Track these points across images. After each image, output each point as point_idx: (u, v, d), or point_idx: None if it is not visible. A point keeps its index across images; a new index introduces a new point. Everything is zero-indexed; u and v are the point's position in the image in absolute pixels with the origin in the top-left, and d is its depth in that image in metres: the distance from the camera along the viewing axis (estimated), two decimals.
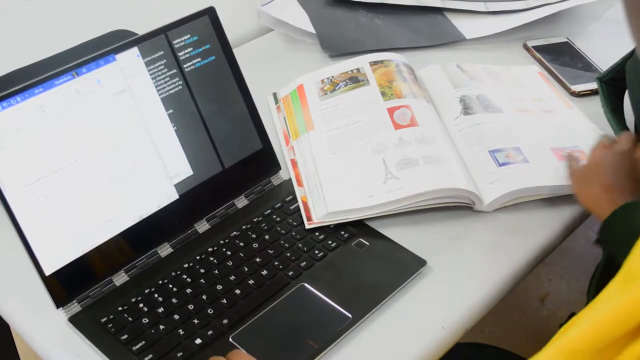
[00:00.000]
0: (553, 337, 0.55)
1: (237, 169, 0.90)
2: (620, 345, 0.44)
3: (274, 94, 1.10)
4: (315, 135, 0.98)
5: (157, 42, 0.84)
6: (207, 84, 0.87)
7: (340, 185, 0.90)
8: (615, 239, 0.78)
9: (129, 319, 0.77)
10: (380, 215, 0.88)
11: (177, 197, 0.85)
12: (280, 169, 0.95)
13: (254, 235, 0.87)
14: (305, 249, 0.85)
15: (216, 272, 0.82)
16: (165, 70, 0.84)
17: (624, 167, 0.84)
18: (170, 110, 0.84)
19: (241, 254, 0.84)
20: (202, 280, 0.81)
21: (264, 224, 0.88)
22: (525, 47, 1.23)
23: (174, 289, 0.80)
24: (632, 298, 0.44)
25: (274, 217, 0.89)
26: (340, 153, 0.95)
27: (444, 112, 1.02)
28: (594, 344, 0.45)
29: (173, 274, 0.82)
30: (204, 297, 0.79)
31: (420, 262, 0.83)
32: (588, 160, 0.88)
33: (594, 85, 1.08)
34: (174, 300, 0.79)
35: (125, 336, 0.75)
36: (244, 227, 0.88)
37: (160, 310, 0.78)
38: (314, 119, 1.01)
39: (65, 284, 0.77)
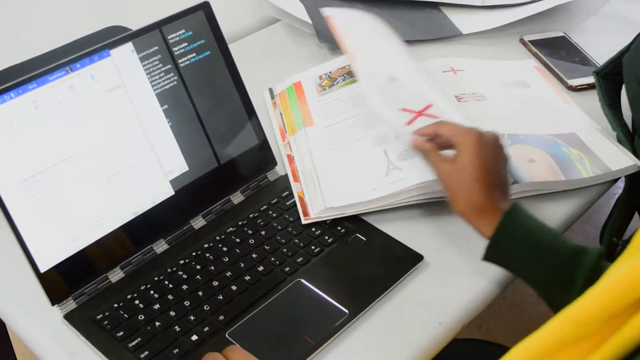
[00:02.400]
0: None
1: (232, 165, 0.90)
2: (628, 314, 0.43)
3: (270, 90, 1.09)
4: (314, 131, 0.98)
5: (151, 38, 0.83)
6: (203, 80, 0.87)
7: (339, 179, 0.90)
8: (511, 253, 0.75)
9: (125, 315, 0.76)
10: (377, 210, 0.88)
11: (172, 193, 0.85)
12: (276, 164, 0.94)
13: (250, 231, 0.86)
14: (301, 244, 0.85)
15: (212, 268, 0.82)
16: (160, 65, 0.84)
17: (500, 164, 0.80)
18: (165, 106, 0.84)
19: (237, 250, 0.84)
20: (198, 277, 0.80)
21: (260, 220, 0.88)
22: (522, 41, 1.23)
23: (170, 286, 0.80)
24: (638, 265, 0.44)
25: (270, 212, 0.89)
26: (340, 147, 0.94)
27: None
28: (601, 313, 0.44)
29: (169, 270, 0.81)
30: (200, 293, 0.79)
31: (417, 258, 0.83)
32: (461, 152, 0.79)
33: (591, 80, 1.08)
34: (169, 297, 0.78)
35: (121, 333, 0.74)
36: (239, 223, 0.87)
37: (156, 306, 0.77)
38: (313, 114, 1.00)
39: (60, 281, 0.77)
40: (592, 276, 0.69)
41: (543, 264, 0.74)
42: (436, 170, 0.81)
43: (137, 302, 0.78)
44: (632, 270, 0.43)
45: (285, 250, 0.84)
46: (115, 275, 0.80)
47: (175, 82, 0.85)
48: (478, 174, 0.77)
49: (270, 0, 1.25)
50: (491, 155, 0.79)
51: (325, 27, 1.21)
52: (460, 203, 0.78)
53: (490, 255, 0.76)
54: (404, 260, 0.83)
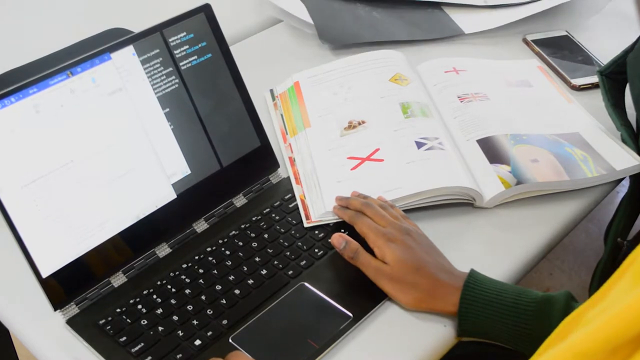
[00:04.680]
0: (554, 331, 0.54)
1: (235, 168, 0.89)
2: (633, 346, 0.42)
3: (271, 91, 1.09)
4: (313, 133, 0.97)
5: (152, 40, 0.83)
6: (204, 82, 0.87)
7: (338, 183, 0.89)
8: (481, 321, 0.75)
9: (128, 320, 0.76)
10: None
11: (174, 196, 0.84)
12: (278, 166, 0.94)
13: (253, 235, 0.86)
14: (305, 247, 0.84)
15: (215, 272, 0.81)
16: (161, 68, 0.83)
17: (428, 249, 0.80)
18: (167, 109, 0.84)
19: (240, 254, 0.83)
20: (201, 281, 0.80)
21: (263, 223, 0.87)
22: (525, 41, 1.22)
23: (173, 290, 0.79)
24: None
25: (273, 215, 0.88)
26: (338, 148, 0.94)
27: (441, 107, 1.02)
28: (605, 345, 0.43)
29: (171, 274, 0.81)
30: (203, 297, 0.78)
31: None
32: (384, 258, 0.78)
33: (594, 79, 1.07)
34: (172, 301, 0.78)
35: (124, 338, 0.74)
36: (242, 226, 0.87)
37: (159, 311, 0.77)
38: (311, 115, 1.00)
39: (62, 286, 0.76)
40: None
41: (513, 323, 0.73)
42: (370, 275, 0.78)
43: (139, 306, 0.77)
44: (636, 303, 0.42)
45: (288, 253, 0.83)
46: (118, 279, 0.80)
47: (176, 85, 0.84)
48: (416, 271, 0.76)
49: (272, 0, 1.25)
50: (417, 242, 0.79)
51: (326, 27, 1.21)
52: (415, 301, 0.77)
53: (464, 331, 0.75)
54: None
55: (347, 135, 0.96)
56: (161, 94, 0.83)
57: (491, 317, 0.74)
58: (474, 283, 0.75)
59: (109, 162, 0.79)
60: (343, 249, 0.80)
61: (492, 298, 0.74)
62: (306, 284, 0.80)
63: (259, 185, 0.92)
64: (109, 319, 0.76)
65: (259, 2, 1.27)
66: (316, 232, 0.86)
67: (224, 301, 0.78)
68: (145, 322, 0.76)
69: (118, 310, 0.77)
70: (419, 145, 0.92)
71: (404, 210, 0.86)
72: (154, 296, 0.78)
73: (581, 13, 1.27)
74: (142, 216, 0.82)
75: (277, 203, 0.90)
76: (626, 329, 0.42)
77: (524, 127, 0.97)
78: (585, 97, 1.08)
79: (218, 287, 0.79)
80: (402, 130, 0.94)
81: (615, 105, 0.98)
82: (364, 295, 0.79)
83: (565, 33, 1.23)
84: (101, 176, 0.79)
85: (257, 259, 0.83)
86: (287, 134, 1.00)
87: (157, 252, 0.83)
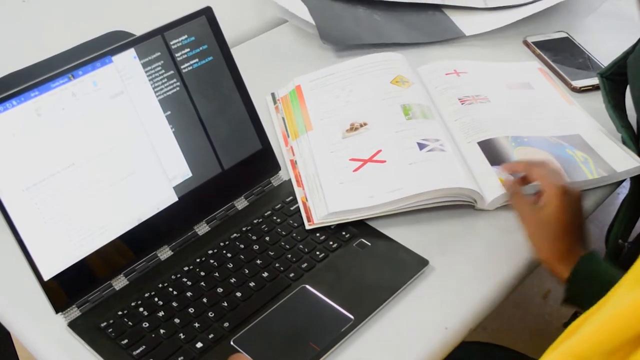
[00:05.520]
0: (558, 337, 0.54)
1: (236, 170, 0.90)
2: (628, 349, 0.42)
3: (272, 94, 1.09)
4: (315, 136, 0.97)
5: (154, 43, 0.83)
6: (205, 85, 0.87)
7: (340, 185, 0.90)
8: (588, 292, 0.76)
9: (129, 323, 0.76)
10: (382, 215, 0.87)
11: (176, 199, 0.84)
12: (280, 169, 0.94)
13: (254, 237, 0.86)
14: (306, 250, 0.84)
15: (216, 274, 0.81)
16: (163, 71, 0.83)
17: (581, 217, 0.82)
18: (168, 112, 0.84)
19: (241, 256, 0.83)
20: (202, 283, 0.80)
21: (264, 226, 0.87)
22: (525, 43, 1.23)
23: (174, 293, 0.79)
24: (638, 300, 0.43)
25: (274, 218, 0.88)
26: (340, 150, 0.94)
27: (442, 109, 1.02)
28: (601, 347, 0.43)
29: (173, 277, 0.81)
30: (205, 300, 0.78)
31: (423, 262, 0.82)
32: (548, 204, 0.80)
33: (595, 81, 1.07)
34: (174, 304, 0.78)
35: (126, 341, 0.74)
36: (244, 228, 0.87)
37: (161, 314, 0.77)
38: (313, 119, 1.00)
39: (64, 289, 0.76)
40: None
41: None
42: (520, 213, 0.82)
43: (141, 309, 0.77)
44: (633, 305, 0.42)
45: (289, 255, 0.83)
46: (119, 282, 0.80)
47: (178, 88, 0.84)
48: (563, 228, 0.79)
49: (276, 0, 1.25)
50: (575, 209, 0.81)
51: (328, 28, 1.21)
52: (544, 252, 0.80)
53: (569, 299, 0.79)
54: (409, 265, 0.82)
55: (349, 137, 0.96)
56: (162, 97, 0.83)
57: (600, 292, 0.75)
58: (591, 257, 0.78)
59: (110, 165, 0.79)
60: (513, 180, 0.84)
61: (604, 272, 0.77)
62: (307, 286, 0.80)
63: (260, 187, 0.92)
64: (111, 321, 0.76)
65: (262, 3, 1.27)
66: (317, 234, 0.86)
67: (226, 304, 0.78)
68: (147, 324, 0.76)
69: (119, 312, 0.77)
70: (421, 146, 0.92)
71: (409, 210, 0.87)
72: (156, 299, 0.78)
73: (577, 13, 1.27)
74: (143, 219, 0.82)
75: (279, 205, 0.90)
76: (624, 330, 0.42)
77: (525, 129, 0.98)
78: (586, 98, 1.08)
79: (219, 290, 0.79)
80: (403, 132, 0.94)
81: (616, 106, 0.98)
82: (365, 298, 0.79)
83: (566, 35, 1.23)
84: (103, 179, 0.79)
85: (258, 261, 0.83)
86: (288, 137, 1.00)
87: (158, 255, 0.83)
